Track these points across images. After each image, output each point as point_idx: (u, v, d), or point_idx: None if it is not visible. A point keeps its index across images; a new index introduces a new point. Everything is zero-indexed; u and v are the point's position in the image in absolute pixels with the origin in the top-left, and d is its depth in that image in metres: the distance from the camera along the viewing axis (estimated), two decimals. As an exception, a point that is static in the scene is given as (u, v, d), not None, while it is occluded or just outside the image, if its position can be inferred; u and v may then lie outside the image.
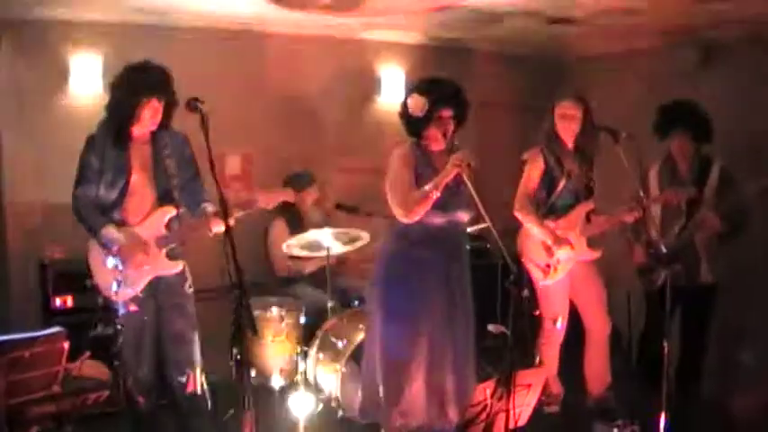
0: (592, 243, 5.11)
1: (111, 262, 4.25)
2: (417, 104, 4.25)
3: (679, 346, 5.11)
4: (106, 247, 4.24)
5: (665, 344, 4.51)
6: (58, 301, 5.28)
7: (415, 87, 4.35)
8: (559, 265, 5.03)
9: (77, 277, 5.10)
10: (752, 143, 5.60)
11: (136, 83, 4.20)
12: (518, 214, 5.03)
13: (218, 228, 4.23)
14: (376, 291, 4.49)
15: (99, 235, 4.24)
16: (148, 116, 4.25)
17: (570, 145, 5.05)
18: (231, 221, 4.02)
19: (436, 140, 4.31)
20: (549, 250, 5.02)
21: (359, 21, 6.08)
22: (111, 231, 4.25)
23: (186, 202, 4.44)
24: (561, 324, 5.17)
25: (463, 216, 4.34)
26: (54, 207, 5.31)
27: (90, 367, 4.54)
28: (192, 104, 3.91)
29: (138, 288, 4.31)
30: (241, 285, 3.69)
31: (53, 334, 3.81)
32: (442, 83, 4.34)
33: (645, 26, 6.00)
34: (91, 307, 5.12)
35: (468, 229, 4.65)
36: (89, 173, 4.29)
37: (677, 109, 5.10)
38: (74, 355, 4.51)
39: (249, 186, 6.30)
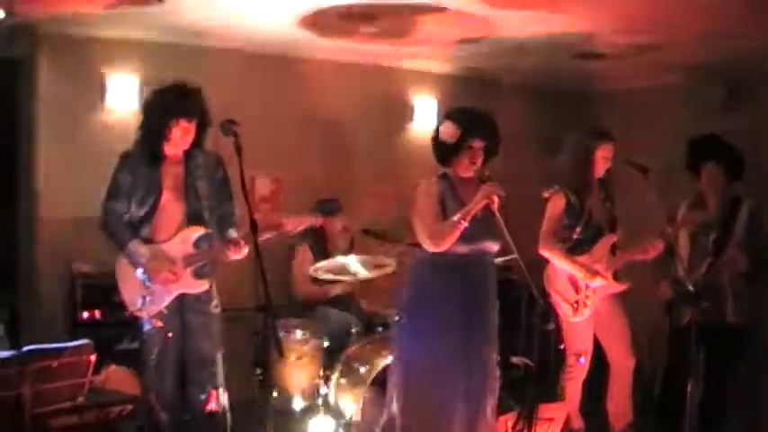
0: (618, 276, 5.10)
1: (140, 275, 4.30)
2: (449, 132, 4.26)
3: (703, 385, 5.07)
4: (132, 261, 4.30)
5: (690, 383, 4.48)
6: (85, 314, 5.33)
7: (448, 115, 4.37)
8: (588, 301, 5.02)
9: (105, 291, 5.16)
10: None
11: (165, 103, 4.27)
12: (544, 252, 5.01)
13: (236, 256, 4.30)
14: (400, 317, 4.51)
15: (126, 249, 4.29)
16: (178, 136, 4.30)
17: (594, 180, 5.07)
18: (246, 251, 4.12)
19: (465, 170, 4.31)
20: (576, 286, 5.02)
21: (393, 49, 6.14)
22: (137, 246, 4.30)
23: (215, 225, 4.49)
24: (585, 360, 5.15)
25: (491, 246, 4.34)
26: (86, 222, 5.33)
27: (117, 379, 4.57)
28: (226, 127, 3.96)
29: (162, 305, 4.34)
30: (269, 306, 3.71)
31: (81, 346, 3.84)
32: (477, 113, 4.36)
33: (670, 62, 6.02)
34: (117, 321, 5.19)
35: (495, 261, 4.65)
36: (121, 189, 4.36)
37: (708, 142, 5.09)
38: (99, 368, 4.55)
39: (278, 209, 6.34)
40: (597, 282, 4.94)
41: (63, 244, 5.62)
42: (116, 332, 5.26)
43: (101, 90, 5.79)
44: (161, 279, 4.31)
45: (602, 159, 5.01)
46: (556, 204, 5.05)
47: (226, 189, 4.54)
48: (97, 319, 5.36)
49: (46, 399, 3.72)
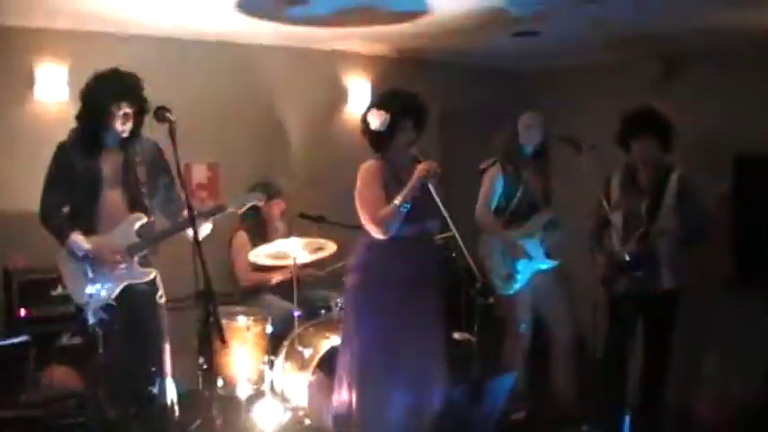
0: (552, 252, 5.19)
1: (77, 267, 4.23)
2: (379, 120, 4.27)
3: (642, 352, 5.18)
4: (74, 254, 4.23)
5: (629, 351, 4.58)
6: (23, 311, 5.21)
7: (374, 104, 4.39)
8: (519, 275, 5.10)
9: (43, 287, 5.07)
10: (710, 153, 5.71)
11: (107, 88, 4.20)
12: (478, 221, 5.11)
13: (202, 232, 4.25)
14: (349, 304, 4.52)
15: (67, 242, 4.22)
16: (120, 122, 4.24)
17: (528, 155, 5.15)
18: (208, 229, 4.12)
19: (402, 152, 4.34)
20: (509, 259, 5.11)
21: (326, 31, 6.11)
22: (78, 239, 4.23)
23: (161, 209, 4.45)
24: (526, 331, 5.23)
25: (433, 225, 4.38)
26: (18, 215, 5.27)
27: (60, 375, 4.51)
28: (160, 114, 3.92)
29: (110, 296, 4.29)
30: (209, 294, 3.69)
31: (19, 343, 3.79)
32: (400, 94, 4.39)
33: (610, 40, 6.10)
34: (57, 317, 5.09)
35: (435, 239, 4.69)
36: (58, 181, 4.28)
37: (641, 116, 5.16)
38: (40, 364, 4.49)
39: (215, 196, 6.30)
40: (521, 262, 5.03)
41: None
42: (56, 328, 5.16)
43: (29, 81, 5.67)
44: (107, 266, 4.26)
45: (528, 128, 5.11)
46: (491, 176, 5.15)
47: (167, 174, 4.48)
48: (36, 316, 5.23)
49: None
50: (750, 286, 5.63)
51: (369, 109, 4.38)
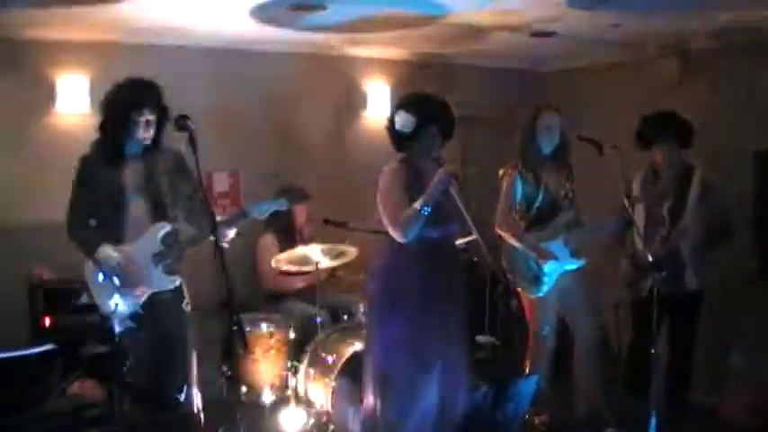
0: (576, 252, 5.15)
1: (104, 278, 4.25)
2: (404, 122, 4.28)
3: (667, 353, 5.15)
4: (102, 268, 4.25)
5: (654, 351, 4.56)
6: (47, 321, 5.25)
7: (402, 104, 4.38)
8: (546, 277, 5.07)
9: (67, 296, 5.10)
10: (731, 150, 5.68)
11: (128, 97, 4.22)
12: (500, 231, 5.05)
13: (225, 239, 4.26)
14: (372, 308, 4.51)
15: (95, 256, 4.24)
16: (142, 130, 4.26)
17: (547, 156, 5.11)
18: (232, 235, 4.15)
19: (424, 156, 4.33)
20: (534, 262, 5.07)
21: (344, 37, 6.13)
22: (106, 253, 4.25)
23: (185, 217, 4.47)
24: (549, 334, 5.20)
25: (456, 228, 4.37)
26: (42, 225, 5.32)
27: (83, 387, 4.53)
28: (181, 122, 3.92)
29: (136, 305, 4.30)
30: (232, 302, 3.70)
31: (46, 352, 3.81)
32: (429, 99, 4.38)
33: (627, 39, 6.08)
34: (82, 325, 5.11)
35: (457, 242, 4.67)
36: (83, 194, 4.30)
37: (660, 120, 5.14)
38: (66, 374, 4.51)
39: (237, 203, 6.32)
40: (549, 264, 4.98)
41: (19, 249, 5.55)
42: (81, 337, 5.19)
43: (51, 92, 5.72)
44: (133, 285, 4.29)
45: (545, 129, 5.04)
46: (509, 181, 5.09)
47: (190, 182, 4.47)
48: (61, 325, 5.26)
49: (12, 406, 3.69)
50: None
51: (397, 108, 4.38)
